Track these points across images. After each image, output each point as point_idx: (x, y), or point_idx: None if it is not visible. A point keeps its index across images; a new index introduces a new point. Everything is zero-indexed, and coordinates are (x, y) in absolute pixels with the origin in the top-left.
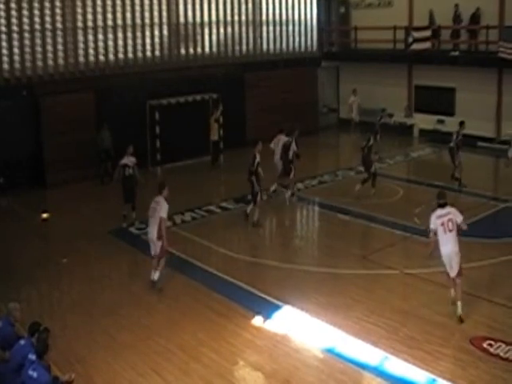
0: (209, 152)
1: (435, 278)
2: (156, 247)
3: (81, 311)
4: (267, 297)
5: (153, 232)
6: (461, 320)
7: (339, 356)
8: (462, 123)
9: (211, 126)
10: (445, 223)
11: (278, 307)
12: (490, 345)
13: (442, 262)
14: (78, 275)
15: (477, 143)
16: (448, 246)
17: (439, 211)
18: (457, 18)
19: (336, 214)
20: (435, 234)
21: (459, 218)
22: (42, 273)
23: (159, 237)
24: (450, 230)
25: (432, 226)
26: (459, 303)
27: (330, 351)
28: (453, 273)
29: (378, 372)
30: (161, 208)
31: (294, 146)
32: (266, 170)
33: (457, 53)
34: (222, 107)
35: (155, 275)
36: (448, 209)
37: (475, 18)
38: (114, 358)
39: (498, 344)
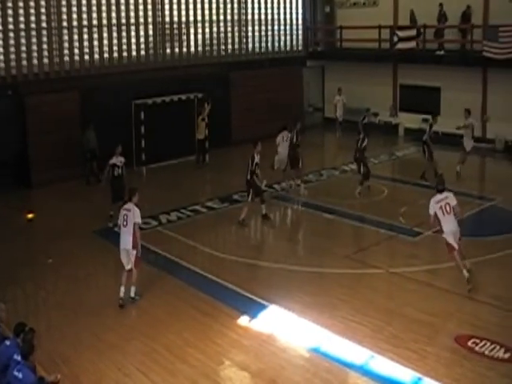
0: (194, 151)
1: (420, 276)
2: (131, 257)
3: (66, 311)
4: (253, 296)
5: (127, 241)
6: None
7: (325, 355)
8: (434, 116)
9: (198, 125)
10: (442, 207)
11: (263, 307)
12: (475, 343)
13: (448, 237)
14: (64, 275)
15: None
16: (450, 225)
17: (438, 196)
18: (441, 17)
19: (321, 213)
20: (436, 216)
21: (453, 202)
22: (27, 273)
23: (134, 245)
24: (448, 212)
25: (431, 212)
26: (467, 262)
27: (315, 350)
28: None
29: (364, 371)
30: (133, 214)
31: (293, 139)
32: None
33: (442, 52)
34: (210, 106)
35: (131, 291)
36: (445, 193)
37: (466, 16)
38: (99, 358)
39: (483, 342)
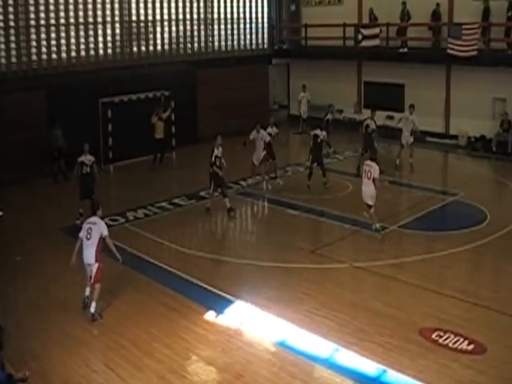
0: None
1: (384, 270)
2: (93, 270)
3: (35, 309)
4: (219, 292)
5: (91, 256)
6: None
7: (290, 349)
8: (373, 110)
9: (155, 125)
10: (366, 171)
11: (230, 302)
12: (439, 336)
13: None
14: (32, 272)
15: (425, 138)
16: (363, 187)
17: (367, 162)
18: (404, 15)
19: (286, 209)
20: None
21: (375, 174)
22: None
23: (97, 259)
24: (368, 178)
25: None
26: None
27: (281, 344)
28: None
29: (329, 364)
30: (99, 227)
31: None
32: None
33: (405, 49)
34: (172, 106)
35: (92, 307)
36: (373, 164)
37: (436, 14)
38: (68, 354)
39: (447, 335)
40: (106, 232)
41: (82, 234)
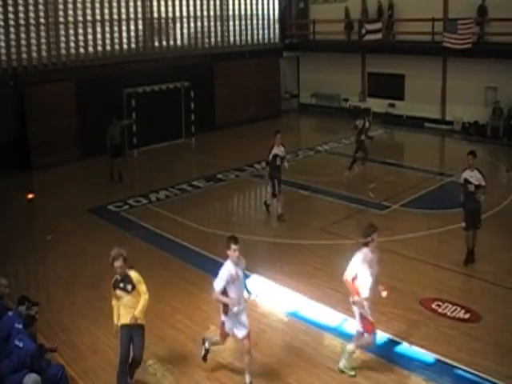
0: (181, 135)
1: (388, 246)
2: None
3: (64, 284)
4: None
5: None
6: None
7: (302, 319)
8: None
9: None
10: None
11: (245, 276)
12: (438, 305)
13: None
14: (62, 251)
15: (424, 124)
16: None
17: None
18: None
19: (297, 190)
20: None
21: None
22: (28, 249)
23: None
24: None
25: None
26: None
27: (293, 315)
28: None
29: (338, 332)
30: None
31: None
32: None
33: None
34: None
35: None
36: None
37: (482, 8)
38: (95, 326)
39: (445, 304)
40: None
41: None
